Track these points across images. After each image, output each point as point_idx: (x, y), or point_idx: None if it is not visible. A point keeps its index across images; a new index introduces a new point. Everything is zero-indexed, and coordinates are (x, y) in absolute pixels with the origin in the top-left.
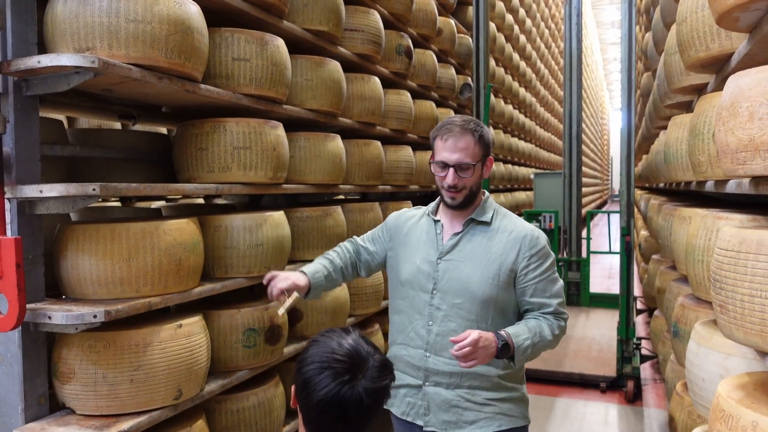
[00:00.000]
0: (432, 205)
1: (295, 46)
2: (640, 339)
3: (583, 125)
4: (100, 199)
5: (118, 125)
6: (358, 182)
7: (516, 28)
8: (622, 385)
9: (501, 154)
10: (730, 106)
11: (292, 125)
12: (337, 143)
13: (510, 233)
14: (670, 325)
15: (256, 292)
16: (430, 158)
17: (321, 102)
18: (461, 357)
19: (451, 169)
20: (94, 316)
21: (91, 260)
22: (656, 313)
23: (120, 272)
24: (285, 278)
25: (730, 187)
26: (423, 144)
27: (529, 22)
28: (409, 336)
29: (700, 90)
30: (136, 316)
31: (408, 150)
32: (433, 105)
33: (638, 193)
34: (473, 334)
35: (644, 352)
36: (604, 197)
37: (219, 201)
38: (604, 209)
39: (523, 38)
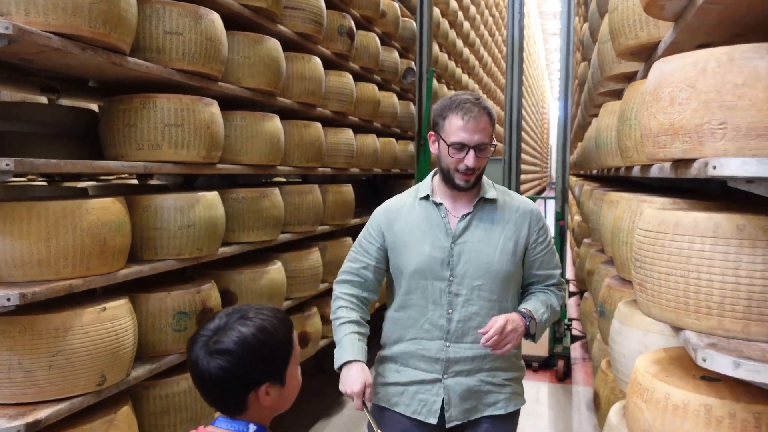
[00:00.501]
0: (422, 188)
1: (232, 22)
2: (571, 320)
3: (524, 113)
4: (24, 178)
5: (43, 99)
6: (297, 164)
7: (460, 14)
8: (553, 365)
9: None
10: (654, 92)
11: (228, 104)
12: (275, 123)
13: (517, 209)
14: (597, 306)
15: (189, 275)
16: (432, 136)
17: (259, 80)
18: (493, 345)
19: (472, 151)
20: (8, 299)
21: (5, 241)
22: (586, 294)
23: (38, 253)
24: (355, 382)
25: (654, 172)
26: (364, 127)
27: (473, 9)
28: (423, 329)
29: (630, 78)
30: (58, 300)
31: (349, 132)
32: (376, 88)
33: (574, 179)
34: (499, 321)
35: (575, 332)
36: (543, 184)
37: (154, 182)
38: (542, 195)
39: (467, 25)
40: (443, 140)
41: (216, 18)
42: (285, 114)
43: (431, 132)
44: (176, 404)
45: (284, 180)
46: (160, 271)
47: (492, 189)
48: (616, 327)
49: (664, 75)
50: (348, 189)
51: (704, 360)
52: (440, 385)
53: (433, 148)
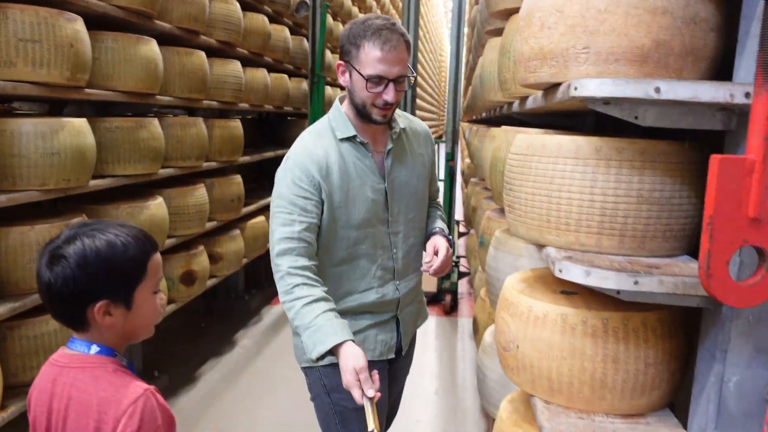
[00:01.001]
0: (339, 127)
1: None
2: (459, 257)
3: (420, 59)
4: None
5: None
6: (179, 95)
7: None
8: (441, 299)
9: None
10: (526, 17)
11: (97, 23)
12: (151, 47)
13: (417, 132)
14: (478, 238)
15: (59, 209)
16: (341, 66)
17: None
18: (441, 272)
19: (392, 85)
20: None
21: None
22: (471, 231)
23: None
24: (353, 371)
25: (530, 103)
26: (254, 60)
27: None
28: (375, 277)
29: (514, 13)
30: None
31: (237, 65)
32: (266, 19)
33: (465, 125)
34: (441, 249)
35: (462, 269)
36: (440, 131)
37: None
38: (441, 141)
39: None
40: (357, 72)
41: None
42: (165, 40)
43: (340, 62)
44: (45, 345)
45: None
46: (20, 203)
47: (398, 118)
48: (491, 253)
49: (536, 0)
50: (236, 124)
51: (560, 271)
52: (394, 321)
53: (343, 79)
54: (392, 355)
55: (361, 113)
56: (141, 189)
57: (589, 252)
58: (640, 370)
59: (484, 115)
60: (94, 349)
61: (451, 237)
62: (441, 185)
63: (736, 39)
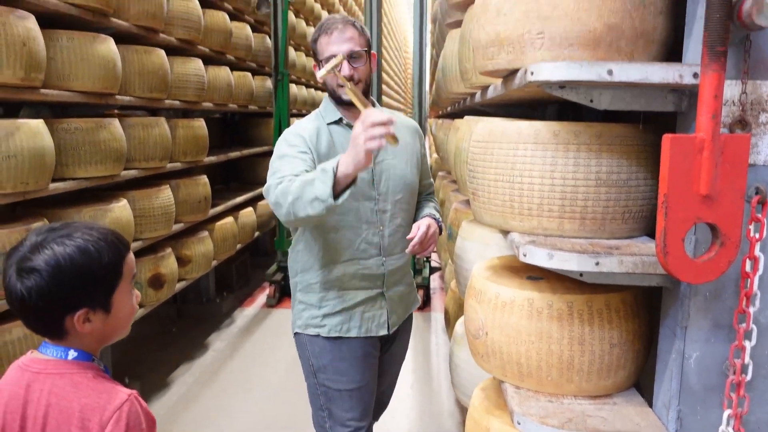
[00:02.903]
0: (326, 114)
1: None
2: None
3: (385, 55)
4: None
5: None
6: (139, 94)
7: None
8: None
9: (303, 78)
10: (483, 3)
11: (51, 21)
12: (108, 46)
13: (407, 125)
14: (447, 230)
15: (18, 215)
16: (315, 66)
17: None
18: (421, 249)
19: (345, 61)
20: None
21: None
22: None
23: None
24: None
25: (491, 92)
26: (215, 59)
27: None
28: (359, 249)
29: (473, 3)
30: None
31: (198, 63)
32: (226, 17)
33: (431, 121)
34: (422, 227)
35: (434, 264)
36: None
37: None
38: None
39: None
40: (320, 61)
41: None
42: (123, 38)
43: (314, 64)
44: (10, 354)
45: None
46: None
47: (384, 110)
48: (459, 244)
49: None
50: (200, 124)
51: (524, 255)
52: (385, 297)
53: (319, 76)
54: (383, 332)
55: (334, 98)
56: (104, 191)
57: (552, 236)
58: (605, 350)
59: (449, 109)
60: (72, 354)
61: (441, 222)
62: None
63: (685, 22)
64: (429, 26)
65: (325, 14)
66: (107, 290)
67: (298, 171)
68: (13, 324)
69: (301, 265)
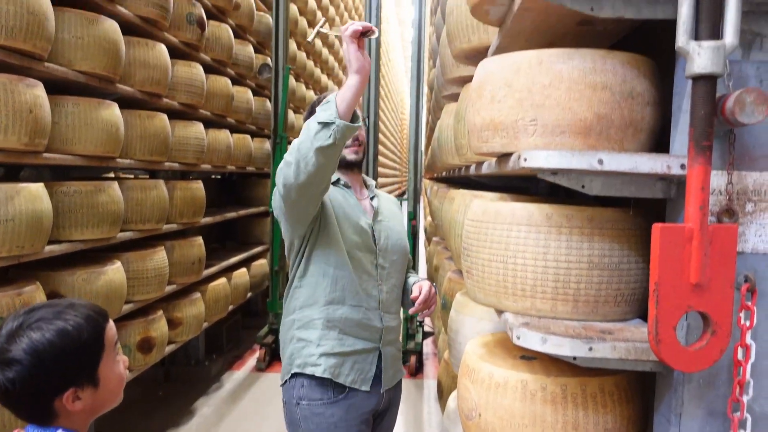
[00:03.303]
0: None
1: (63, 0)
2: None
3: (383, 117)
4: None
5: None
6: (140, 157)
7: (319, 14)
8: (406, 361)
9: None
10: (478, 89)
11: (59, 88)
12: (113, 111)
13: (388, 198)
14: (441, 299)
15: (10, 277)
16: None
17: (93, 64)
18: (424, 309)
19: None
20: None
21: None
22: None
23: None
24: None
25: (485, 168)
26: (216, 122)
27: (332, 10)
28: (360, 297)
29: (468, 81)
30: None
31: (199, 126)
32: (229, 82)
33: (427, 182)
34: (425, 286)
35: (427, 329)
36: (402, 187)
37: None
38: (403, 198)
39: (326, 25)
40: None
41: None
42: (128, 103)
43: None
44: None
45: (131, 177)
46: None
47: (370, 180)
48: (453, 316)
49: (487, 74)
50: (198, 185)
51: (518, 338)
52: (376, 353)
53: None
54: (366, 388)
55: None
56: (98, 253)
57: (545, 317)
58: None
59: (444, 174)
60: None
61: (435, 286)
62: None
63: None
64: (425, 89)
65: (324, 78)
66: (92, 365)
67: None
68: None
69: (302, 301)
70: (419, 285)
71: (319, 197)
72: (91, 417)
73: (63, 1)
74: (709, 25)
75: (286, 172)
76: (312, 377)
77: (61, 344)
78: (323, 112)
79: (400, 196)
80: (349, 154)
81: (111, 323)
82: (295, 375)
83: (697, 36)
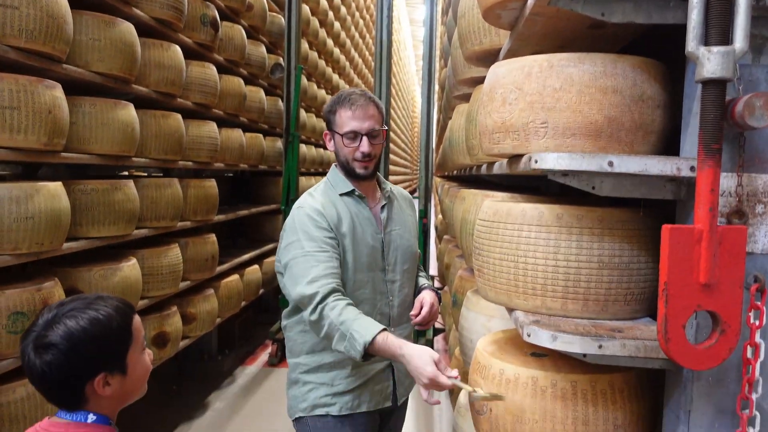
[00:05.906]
0: (337, 184)
1: (79, 2)
2: None
3: (394, 116)
4: None
5: None
6: (155, 156)
7: (330, 14)
8: None
9: (313, 138)
10: (489, 92)
11: (77, 89)
12: (128, 111)
13: (403, 196)
14: (452, 297)
15: (29, 272)
16: (327, 134)
17: (110, 65)
18: (426, 322)
19: (365, 138)
20: None
21: None
22: (445, 288)
23: None
24: (431, 361)
25: (496, 168)
26: (229, 121)
27: (344, 9)
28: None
29: (479, 82)
30: None
31: (212, 126)
32: (242, 82)
33: (438, 180)
34: (426, 305)
35: (437, 325)
36: (413, 185)
37: None
38: (414, 196)
39: (337, 25)
40: (337, 133)
41: None
42: (143, 103)
43: (326, 132)
44: (12, 413)
45: (146, 174)
46: None
47: (384, 181)
48: (464, 314)
49: (498, 77)
50: (211, 184)
51: (529, 335)
52: (390, 369)
53: (330, 145)
54: (388, 403)
55: (347, 170)
56: (114, 250)
57: (556, 315)
58: None
59: (455, 172)
60: (91, 417)
61: (439, 292)
62: None
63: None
64: (436, 88)
65: (336, 77)
66: (121, 353)
67: (327, 270)
68: (17, 383)
69: (309, 346)
70: (421, 300)
71: None
72: (119, 405)
73: (80, 4)
74: (718, 30)
75: (308, 319)
76: (325, 416)
77: (94, 331)
78: (351, 345)
79: (410, 194)
80: (359, 169)
81: (137, 316)
82: (304, 417)
83: (706, 41)
